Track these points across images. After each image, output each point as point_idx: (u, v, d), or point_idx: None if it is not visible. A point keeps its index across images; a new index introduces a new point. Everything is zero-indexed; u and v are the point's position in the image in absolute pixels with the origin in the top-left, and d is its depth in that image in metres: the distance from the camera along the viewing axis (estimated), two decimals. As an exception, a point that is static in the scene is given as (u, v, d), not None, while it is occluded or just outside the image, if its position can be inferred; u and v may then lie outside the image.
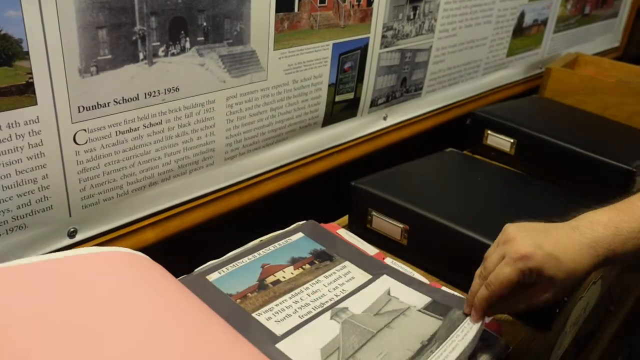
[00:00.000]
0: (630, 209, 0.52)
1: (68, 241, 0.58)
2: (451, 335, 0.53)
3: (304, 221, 0.73)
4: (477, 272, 0.55)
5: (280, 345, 0.51)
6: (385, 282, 0.61)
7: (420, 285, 0.62)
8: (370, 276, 0.62)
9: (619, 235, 0.50)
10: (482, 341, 0.57)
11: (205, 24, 0.60)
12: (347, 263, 0.64)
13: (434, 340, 0.53)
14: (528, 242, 0.50)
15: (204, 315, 0.45)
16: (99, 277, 0.45)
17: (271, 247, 0.65)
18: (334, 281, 0.61)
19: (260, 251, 0.64)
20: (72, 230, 0.58)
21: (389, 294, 0.60)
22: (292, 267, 0.62)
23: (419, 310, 0.57)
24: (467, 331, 0.54)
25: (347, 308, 0.57)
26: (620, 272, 1.28)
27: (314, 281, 0.60)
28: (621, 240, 0.50)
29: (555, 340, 0.70)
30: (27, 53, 0.48)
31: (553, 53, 1.36)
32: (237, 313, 0.54)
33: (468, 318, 0.55)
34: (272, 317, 0.54)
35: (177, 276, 0.56)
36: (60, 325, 0.38)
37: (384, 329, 0.54)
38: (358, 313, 0.56)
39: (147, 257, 0.53)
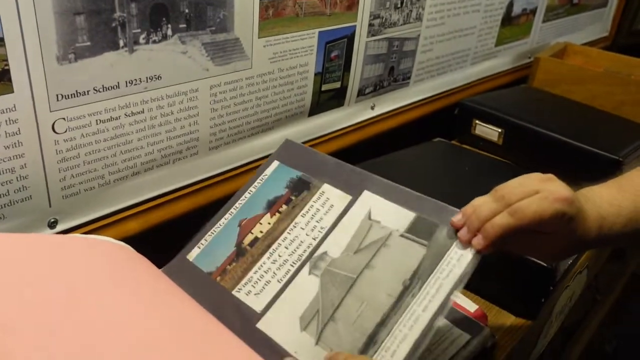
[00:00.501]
0: (632, 187, 0.51)
1: (49, 232, 0.57)
2: (435, 270, 0.48)
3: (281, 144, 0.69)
4: (488, 197, 0.48)
5: (260, 325, 0.51)
6: (365, 203, 0.56)
7: (403, 196, 0.55)
8: (350, 197, 0.57)
9: (621, 216, 0.49)
10: (467, 330, 0.57)
11: (187, 10, 0.59)
12: (325, 187, 0.59)
13: (417, 279, 0.49)
14: (563, 186, 0.47)
15: (181, 304, 0.45)
16: (75, 260, 0.44)
17: (247, 195, 0.62)
18: (312, 218, 0.57)
19: (237, 204, 0.61)
20: (52, 220, 0.57)
21: (369, 218, 0.55)
22: (268, 215, 0.59)
23: (402, 236, 0.52)
24: (455, 264, 0.48)
25: (325, 253, 0.54)
26: (606, 262, 1.29)
27: (291, 226, 0.57)
28: (622, 221, 0.49)
29: (541, 329, 0.71)
30: (2, 39, 0.47)
31: (542, 42, 1.35)
32: (217, 294, 0.53)
33: (456, 244, 0.48)
34: (252, 289, 0.53)
35: (160, 267, 0.56)
36: (31, 302, 0.37)
37: (364, 271, 0.51)
38: (337, 256, 0.53)
39: (129, 246, 0.52)
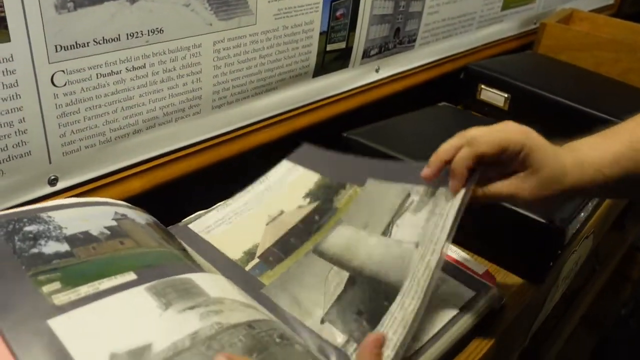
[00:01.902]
0: (617, 133, 0.51)
1: (49, 189, 0.56)
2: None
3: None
4: (455, 136, 0.50)
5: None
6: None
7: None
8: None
9: (605, 158, 0.49)
10: (476, 291, 0.57)
11: (190, -40, 0.57)
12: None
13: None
14: (524, 126, 0.49)
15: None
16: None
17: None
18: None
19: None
20: (52, 178, 0.55)
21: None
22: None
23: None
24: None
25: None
26: (607, 232, 1.29)
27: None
28: (607, 161, 0.49)
29: (548, 293, 0.70)
30: (-2, -17, 0.44)
31: (548, 8, 1.33)
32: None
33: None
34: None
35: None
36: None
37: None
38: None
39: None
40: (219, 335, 0.36)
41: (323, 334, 0.46)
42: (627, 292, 1.70)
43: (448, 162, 0.49)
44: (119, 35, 0.54)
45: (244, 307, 0.42)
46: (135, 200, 0.56)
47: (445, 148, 0.50)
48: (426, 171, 0.51)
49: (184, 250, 0.52)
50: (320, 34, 0.76)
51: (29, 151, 0.52)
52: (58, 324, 0.34)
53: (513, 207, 0.61)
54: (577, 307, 1.36)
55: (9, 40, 0.47)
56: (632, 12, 1.70)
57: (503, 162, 0.48)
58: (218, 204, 0.65)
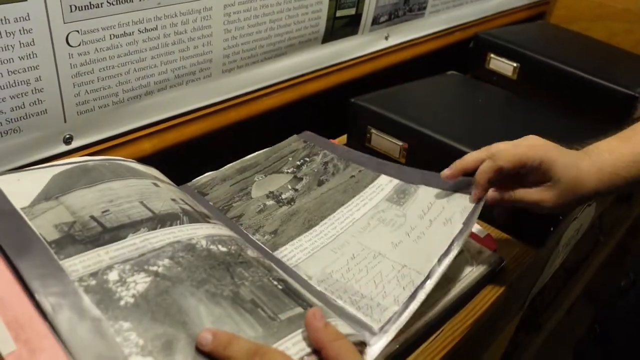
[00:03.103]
0: (634, 135, 0.54)
1: (64, 147, 0.57)
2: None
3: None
4: (479, 150, 0.55)
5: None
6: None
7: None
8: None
9: (622, 160, 0.52)
10: (477, 253, 0.58)
11: None
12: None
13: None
14: (545, 142, 0.54)
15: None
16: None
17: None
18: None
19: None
20: (67, 136, 0.57)
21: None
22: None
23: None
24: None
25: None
26: (612, 204, 1.29)
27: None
28: (625, 164, 0.52)
29: (548, 257, 0.72)
30: (14, -58, 0.45)
31: (562, -23, 1.31)
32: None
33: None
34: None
35: (175, 184, 0.56)
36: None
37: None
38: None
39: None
40: None
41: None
42: (628, 264, 1.72)
43: (469, 171, 0.54)
44: (131, -4, 0.55)
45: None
46: (146, 161, 0.58)
47: (469, 159, 0.54)
48: (447, 172, 0.56)
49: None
50: (330, -1, 0.77)
51: (45, 109, 0.54)
52: None
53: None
54: (579, 279, 1.38)
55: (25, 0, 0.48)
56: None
57: (525, 174, 0.53)
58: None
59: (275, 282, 0.42)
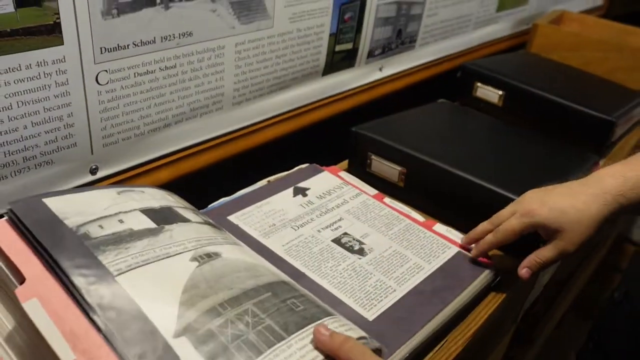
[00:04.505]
0: (637, 160, 0.58)
1: (90, 178, 0.61)
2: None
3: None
4: (488, 221, 0.64)
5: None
6: None
7: None
8: None
9: (627, 183, 0.56)
10: (474, 270, 0.63)
11: (217, -30, 0.62)
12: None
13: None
14: (535, 200, 0.59)
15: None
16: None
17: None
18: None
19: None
20: (93, 167, 0.61)
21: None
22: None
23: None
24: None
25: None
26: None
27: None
28: (630, 186, 0.56)
29: (538, 272, 0.77)
30: (55, -7, 0.50)
31: (540, 10, 1.39)
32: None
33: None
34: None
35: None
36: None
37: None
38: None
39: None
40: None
41: None
42: (617, 280, 1.78)
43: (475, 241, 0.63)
44: (154, 38, 0.60)
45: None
46: (163, 189, 0.62)
47: (478, 231, 0.63)
48: (474, 253, 0.64)
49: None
50: (330, 35, 0.83)
51: (75, 143, 0.58)
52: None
53: (506, 193, 0.68)
54: (567, 294, 1.43)
55: (62, 43, 0.52)
56: (620, 13, 1.77)
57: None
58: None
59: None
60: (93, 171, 0.61)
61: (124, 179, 0.64)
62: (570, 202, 0.57)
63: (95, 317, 0.37)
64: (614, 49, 1.24)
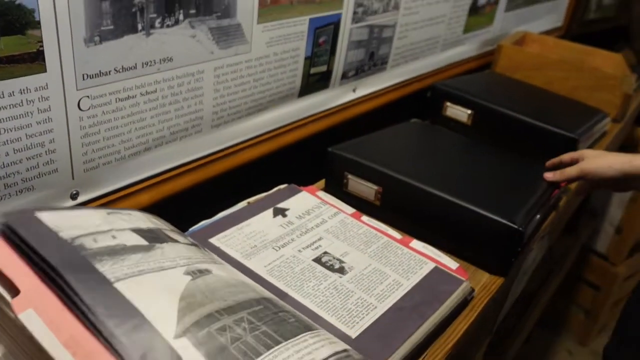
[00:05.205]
0: None
1: (70, 202, 0.61)
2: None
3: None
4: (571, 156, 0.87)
5: None
6: None
7: None
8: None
9: None
10: (452, 284, 0.65)
11: (197, -3, 0.64)
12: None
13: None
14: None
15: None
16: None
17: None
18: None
19: None
20: (74, 192, 0.61)
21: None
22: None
23: None
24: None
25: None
26: (561, 234, 1.40)
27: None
28: None
29: (511, 285, 0.80)
30: (39, 22, 0.51)
31: (504, 31, 1.45)
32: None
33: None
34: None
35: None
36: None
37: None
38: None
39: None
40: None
41: None
42: (584, 291, 1.84)
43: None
44: (135, 64, 0.61)
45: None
46: (147, 213, 0.62)
47: (566, 158, 0.88)
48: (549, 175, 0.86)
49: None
50: (305, 58, 0.85)
51: (57, 168, 0.58)
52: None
53: (475, 209, 0.71)
54: (535, 307, 1.47)
55: (45, 71, 0.53)
56: (578, 33, 1.86)
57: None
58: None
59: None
60: (74, 196, 0.61)
61: (105, 203, 0.65)
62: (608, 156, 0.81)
63: (95, 322, 0.38)
64: (574, 68, 1.30)
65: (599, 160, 0.80)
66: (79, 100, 0.57)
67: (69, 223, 0.45)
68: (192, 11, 0.64)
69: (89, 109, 0.59)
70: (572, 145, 0.99)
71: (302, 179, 0.82)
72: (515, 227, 0.70)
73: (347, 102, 0.99)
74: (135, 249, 0.46)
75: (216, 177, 0.77)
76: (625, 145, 1.74)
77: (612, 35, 2.23)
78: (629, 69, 1.36)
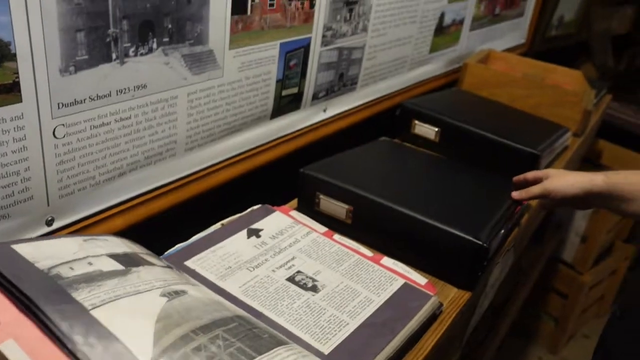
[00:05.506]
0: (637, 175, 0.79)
1: (46, 229, 0.62)
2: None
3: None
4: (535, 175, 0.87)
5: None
6: None
7: None
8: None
9: (618, 175, 0.79)
10: (421, 300, 0.68)
11: (170, 25, 0.66)
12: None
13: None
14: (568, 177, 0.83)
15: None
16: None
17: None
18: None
19: None
20: (49, 219, 0.62)
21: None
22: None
23: None
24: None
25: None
26: (528, 246, 1.45)
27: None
28: (616, 176, 0.78)
29: (478, 299, 0.83)
30: (15, 55, 0.52)
31: (469, 50, 1.50)
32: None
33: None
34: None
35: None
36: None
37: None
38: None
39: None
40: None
41: None
42: (553, 300, 1.88)
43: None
44: (110, 91, 0.62)
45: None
46: (119, 236, 0.63)
47: (530, 177, 0.88)
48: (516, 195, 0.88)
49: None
50: (277, 81, 0.87)
51: (32, 196, 0.59)
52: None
53: (447, 228, 0.74)
54: (505, 317, 1.51)
55: (20, 101, 0.54)
56: (541, 49, 1.93)
57: None
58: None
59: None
60: (49, 222, 0.62)
61: (80, 228, 0.65)
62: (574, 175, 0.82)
63: (73, 350, 0.39)
64: (536, 86, 1.35)
65: (562, 179, 0.82)
66: (54, 129, 0.58)
67: (45, 253, 0.46)
68: (166, 39, 0.66)
69: (64, 136, 0.60)
70: (534, 160, 1.03)
71: (276, 199, 0.83)
72: (480, 243, 0.73)
73: (318, 122, 1.01)
74: (111, 274, 0.47)
75: (190, 199, 0.78)
76: (586, 158, 1.80)
77: (574, 50, 2.32)
78: (589, 84, 1.42)
